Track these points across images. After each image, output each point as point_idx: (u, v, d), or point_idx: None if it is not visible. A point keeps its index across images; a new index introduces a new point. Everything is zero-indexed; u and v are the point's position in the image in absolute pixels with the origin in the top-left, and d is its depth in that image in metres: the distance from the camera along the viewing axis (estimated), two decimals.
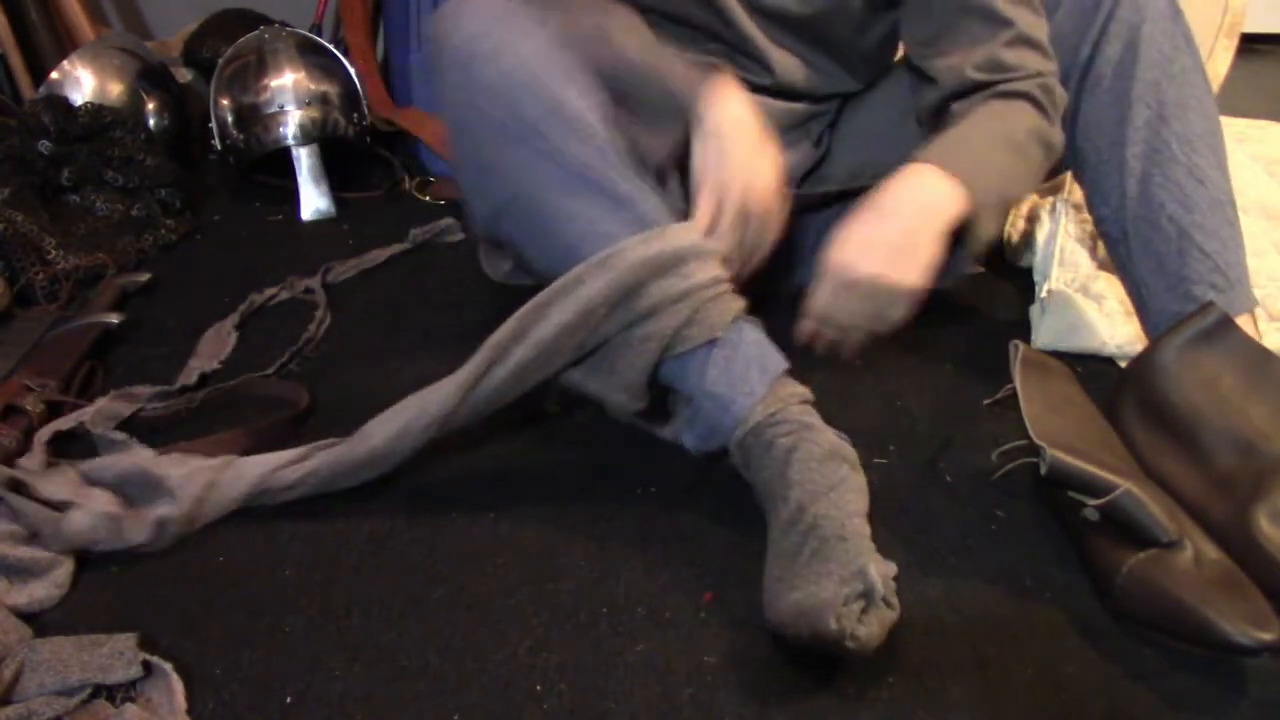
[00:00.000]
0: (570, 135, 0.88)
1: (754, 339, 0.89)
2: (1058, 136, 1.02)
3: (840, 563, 0.75)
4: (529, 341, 0.87)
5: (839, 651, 0.73)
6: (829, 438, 0.85)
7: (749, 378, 0.87)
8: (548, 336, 0.87)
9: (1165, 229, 0.98)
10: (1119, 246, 1.03)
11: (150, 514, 0.89)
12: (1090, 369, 1.16)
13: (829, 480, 0.82)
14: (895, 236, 0.88)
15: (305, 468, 0.92)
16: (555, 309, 0.86)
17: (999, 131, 0.97)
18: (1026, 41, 1.01)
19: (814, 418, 0.88)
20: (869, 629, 0.72)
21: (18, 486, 0.89)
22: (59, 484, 0.89)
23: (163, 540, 0.89)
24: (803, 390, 0.89)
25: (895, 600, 0.75)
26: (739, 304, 0.89)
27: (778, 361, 0.89)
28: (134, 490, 0.92)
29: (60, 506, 0.87)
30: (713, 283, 0.87)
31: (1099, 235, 1.07)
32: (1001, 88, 1.00)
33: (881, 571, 0.75)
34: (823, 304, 0.91)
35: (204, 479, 0.91)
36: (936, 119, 1.06)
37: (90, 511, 0.87)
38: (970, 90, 1.03)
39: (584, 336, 0.87)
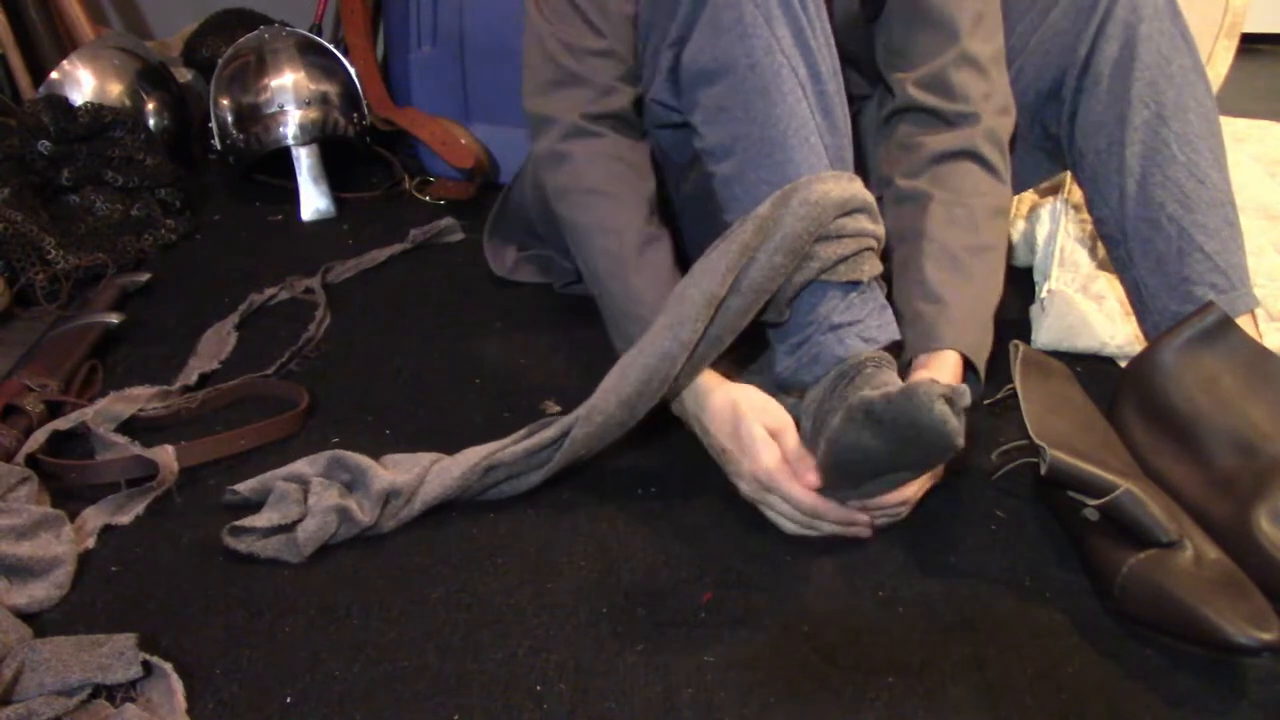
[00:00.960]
0: (826, 46, 0.89)
1: (883, 302, 0.91)
2: (1008, 195, 1.05)
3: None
4: (743, 288, 0.87)
5: (927, 416, 0.75)
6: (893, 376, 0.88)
7: (870, 328, 0.89)
8: (759, 279, 0.87)
9: (1165, 228, 0.98)
10: (1119, 247, 1.03)
11: (372, 491, 0.90)
12: (1090, 369, 1.16)
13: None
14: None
15: (539, 439, 0.92)
16: (764, 253, 0.86)
17: (966, 246, 0.99)
18: (971, 62, 1.03)
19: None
20: (960, 417, 0.76)
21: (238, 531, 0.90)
22: (283, 509, 0.90)
23: (388, 519, 0.90)
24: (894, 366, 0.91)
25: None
26: (880, 267, 0.91)
27: (894, 330, 0.90)
28: (345, 476, 0.94)
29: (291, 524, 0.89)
30: (875, 237, 0.89)
31: (1098, 236, 1.07)
32: (946, 145, 1.03)
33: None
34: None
35: (425, 461, 0.94)
36: (887, 130, 1.10)
37: (316, 513, 0.88)
38: (914, 109, 1.06)
39: (789, 273, 0.87)
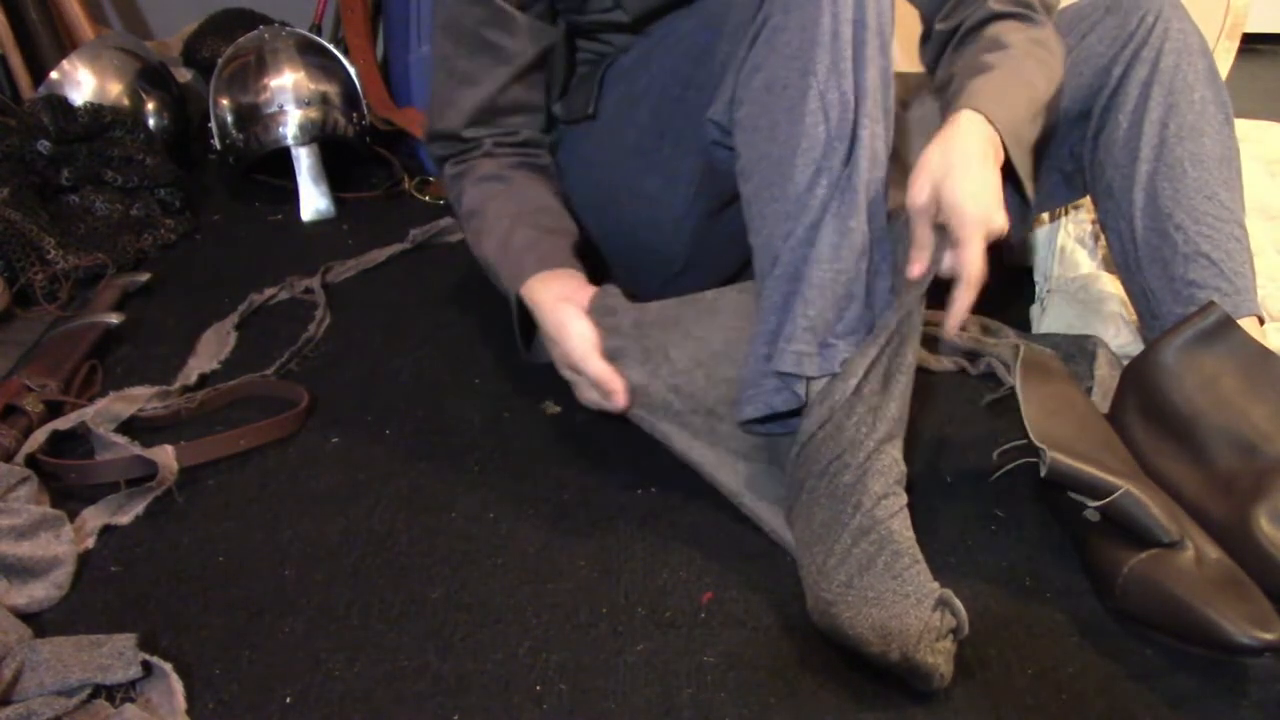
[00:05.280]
0: (877, 77, 0.87)
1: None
2: (1044, 32, 1.01)
3: (916, 586, 0.76)
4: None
5: (916, 679, 0.74)
6: (901, 460, 0.84)
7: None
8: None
9: (1172, 236, 1.00)
10: (1128, 256, 1.04)
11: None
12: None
13: (900, 502, 0.82)
14: (996, 186, 0.87)
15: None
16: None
17: (991, 56, 0.96)
18: None
19: (894, 433, 0.86)
20: (951, 667, 0.75)
21: None
22: None
23: None
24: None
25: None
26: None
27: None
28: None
29: None
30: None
31: (1109, 247, 1.08)
32: (963, 25, 1.02)
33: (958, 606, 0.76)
34: (979, 264, 0.85)
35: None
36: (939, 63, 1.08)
37: None
38: (946, 39, 1.05)
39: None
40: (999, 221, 0.85)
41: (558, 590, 0.85)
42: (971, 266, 0.84)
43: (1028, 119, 0.94)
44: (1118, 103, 1.05)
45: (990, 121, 0.89)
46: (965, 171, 0.85)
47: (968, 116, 0.89)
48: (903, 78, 1.23)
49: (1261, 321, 0.99)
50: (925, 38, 1.10)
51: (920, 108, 1.20)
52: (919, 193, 0.86)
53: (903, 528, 0.80)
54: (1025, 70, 0.96)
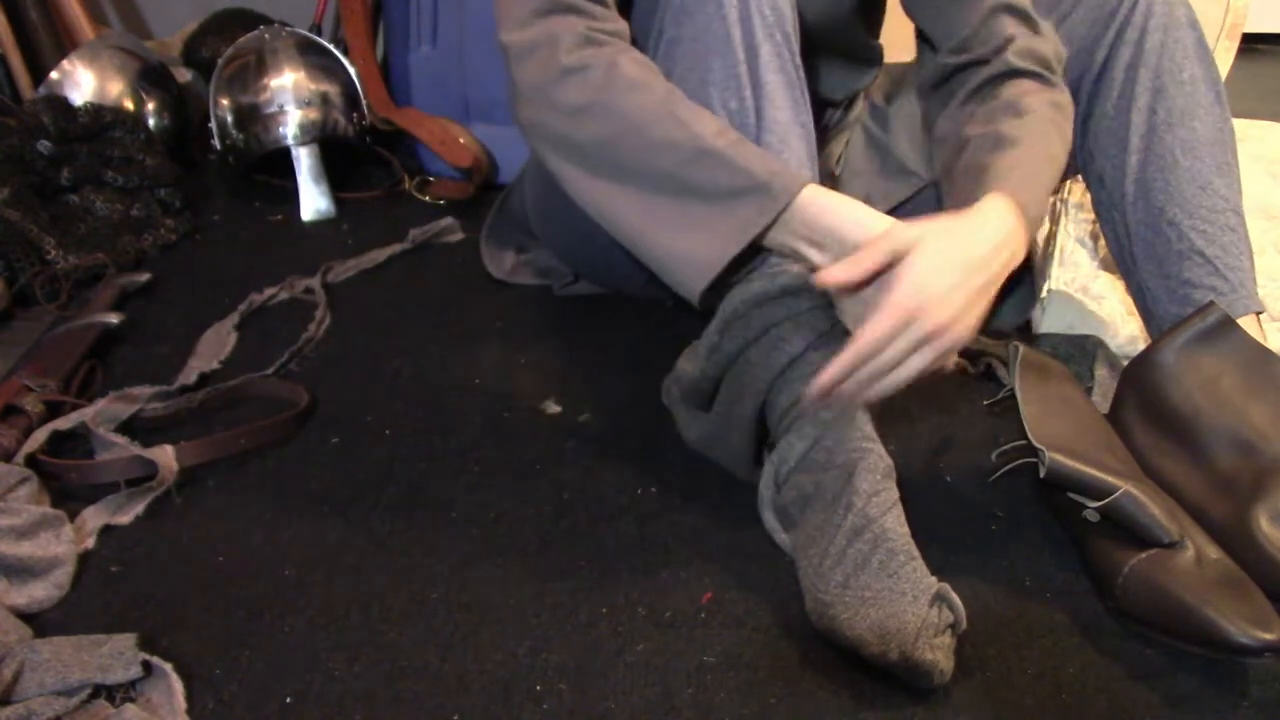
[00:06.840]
0: (777, 76, 0.86)
1: None
2: (1050, 93, 0.95)
3: (912, 583, 0.76)
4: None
5: (916, 677, 0.74)
6: (885, 454, 0.84)
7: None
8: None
9: (1165, 232, 0.99)
10: (1124, 250, 1.03)
11: None
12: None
13: (891, 497, 0.81)
14: (977, 293, 0.78)
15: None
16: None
17: (1010, 123, 0.90)
18: (1006, 8, 0.98)
19: (874, 432, 0.86)
20: (951, 662, 0.75)
21: None
22: None
23: None
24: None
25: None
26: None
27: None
28: None
29: None
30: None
31: (1105, 238, 1.07)
32: (979, 79, 0.96)
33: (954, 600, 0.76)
34: (876, 341, 0.77)
35: None
36: (933, 104, 1.04)
37: None
38: (951, 73, 1.00)
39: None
40: (947, 335, 0.76)
41: (558, 590, 0.85)
42: (866, 335, 0.76)
43: (1047, 197, 0.88)
44: (1103, 89, 1.02)
45: (1021, 210, 0.80)
46: (947, 269, 0.75)
47: (994, 203, 0.80)
48: (887, 69, 1.22)
49: (1259, 315, 0.99)
50: (924, 62, 1.06)
51: (906, 102, 1.19)
52: (885, 240, 0.77)
53: (896, 524, 0.80)
54: (1049, 143, 0.90)
